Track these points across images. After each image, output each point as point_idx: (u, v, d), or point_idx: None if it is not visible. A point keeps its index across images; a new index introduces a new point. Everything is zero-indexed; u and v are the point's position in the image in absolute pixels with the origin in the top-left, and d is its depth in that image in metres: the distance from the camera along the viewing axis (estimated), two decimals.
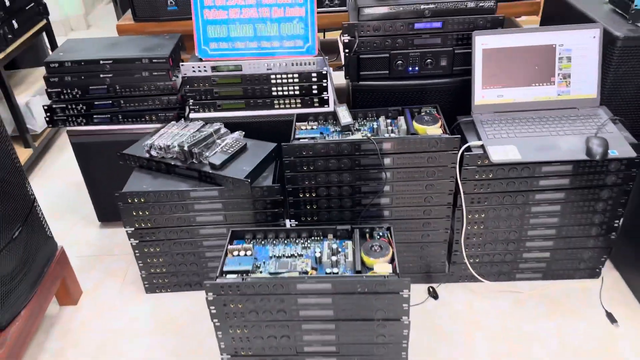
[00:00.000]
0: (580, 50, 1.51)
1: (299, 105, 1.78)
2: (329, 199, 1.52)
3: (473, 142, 1.46)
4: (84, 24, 4.45)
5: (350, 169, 1.46)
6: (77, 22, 4.43)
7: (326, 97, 1.76)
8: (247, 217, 1.57)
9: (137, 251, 1.64)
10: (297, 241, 1.36)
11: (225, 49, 1.73)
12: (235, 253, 1.31)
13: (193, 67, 1.72)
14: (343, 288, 1.20)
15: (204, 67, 1.72)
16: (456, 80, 1.68)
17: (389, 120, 1.55)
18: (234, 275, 1.24)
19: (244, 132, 1.65)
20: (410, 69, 1.67)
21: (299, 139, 1.50)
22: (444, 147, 1.42)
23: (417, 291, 1.68)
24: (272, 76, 1.73)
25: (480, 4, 1.57)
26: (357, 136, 1.49)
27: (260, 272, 1.27)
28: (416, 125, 1.49)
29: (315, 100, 1.76)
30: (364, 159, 1.45)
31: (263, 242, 1.37)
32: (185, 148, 1.52)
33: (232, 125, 1.75)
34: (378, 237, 1.35)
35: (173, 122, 1.70)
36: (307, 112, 1.65)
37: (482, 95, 1.56)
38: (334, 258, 1.27)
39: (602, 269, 1.67)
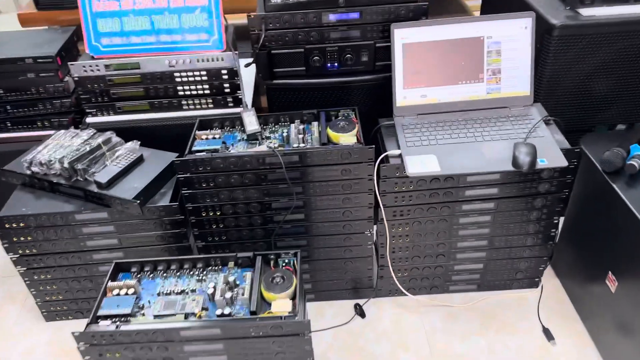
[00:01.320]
0: (510, 43, 1.35)
1: (210, 106, 1.59)
2: (236, 217, 1.36)
3: (390, 152, 1.30)
4: None
5: (256, 184, 1.30)
6: None
7: (241, 97, 1.57)
8: (145, 240, 1.39)
9: (26, 279, 1.46)
10: (191, 272, 1.20)
11: (120, 45, 1.52)
12: (116, 292, 1.13)
13: (84, 67, 1.51)
14: (234, 333, 1.05)
15: (96, 65, 1.51)
16: (379, 77, 1.51)
17: (302, 127, 1.38)
18: (108, 322, 1.07)
19: (139, 142, 1.45)
20: (329, 65, 1.50)
21: (195, 152, 1.32)
22: (358, 159, 1.26)
23: (344, 309, 1.55)
24: (176, 74, 1.53)
25: None
26: (263, 147, 1.31)
27: (143, 314, 1.11)
28: (330, 133, 1.32)
29: (229, 100, 1.58)
30: (271, 173, 1.28)
31: (152, 275, 1.20)
32: (66, 164, 1.33)
33: (136, 131, 1.56)
34: (283, 265, 1.19)
35: (62, 131, 1.49)
36: (213, 116, 1.46)
37: (404, 95, 1.39)
38: (228, 295, 1.11)
39: (542, 278, 1.55)
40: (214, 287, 1.13)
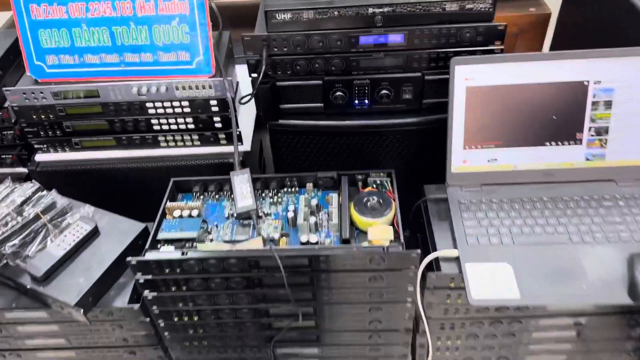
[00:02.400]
0: (628, 91, 0.91)
1: (197, 143, 1.19)
2: (220, 323, 0.98)
3: (442, 252, 0.89)
4: None
5: (247, 288, 0.91)
6: None
7: (239, 133, 1.16)
8: (103, 341, 1.03)
9: None
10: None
11: (71, 66, 1.11)
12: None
13: (25, 94, 1.11)
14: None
15: (41, 93, 1.11)
16: (427, 121, 1.08)
17: (315, 201, 0.97)
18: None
19: (93, 208, 1.06)
20: (357, 102, 1.07)
21: (162, 241, 0.93)
22: (395, 264, 0.86)
23: None
24: (149, 104, 1.12)
25: (467, 5, 0.94)
26: (257, 242, 0.91)
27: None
28: (355, 216, 0.91)
29: (221, 136, 1.18)
30: (268, 277, 0.89)
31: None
32: None
33: (100, 174, 1.19)
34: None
35: None
36: (199, 158, 1.06)
37: (464, 158, 0.97)
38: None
39: None
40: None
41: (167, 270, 0.88)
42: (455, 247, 0.89)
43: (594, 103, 0.92)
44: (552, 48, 1.58)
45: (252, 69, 1.02)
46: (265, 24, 0.97)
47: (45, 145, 1.21)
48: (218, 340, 1.02)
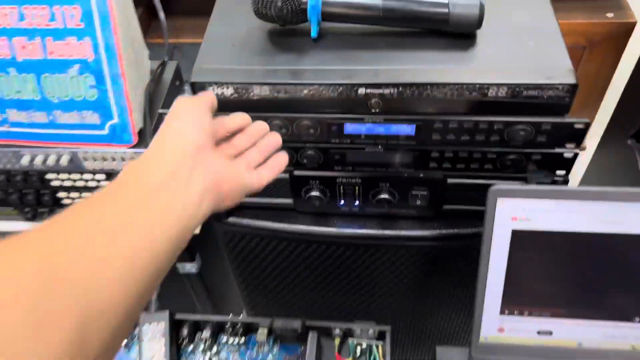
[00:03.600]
0: None
1: None
2: None
3: None
4: None
5: None
6: None
7: None
8: None
9: None
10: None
11: None
12: None
13: None
14: None
15: None
16: (448, 234, 0.71)
17: (269, 358, 0.64)
18: None
19: None
20: (343, 202, 0.71)
21: None
22: None
23: None
24: (50, 176, 0.79)
25: (524, 91, 0.55)
26: None
27: None
28: None
29: None
30: None
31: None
32: None
33: None
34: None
35: None
36: None
37: (500, 326, 0.61)
38: None
39: None
40: None
41: None
42: None
43: None
44: (636, 72, 1.15)
45: None
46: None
47: None
48: None
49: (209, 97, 0.48)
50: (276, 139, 0.52)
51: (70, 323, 0.29)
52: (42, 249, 0.32)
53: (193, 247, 0.87)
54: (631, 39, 1.26)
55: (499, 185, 0.54)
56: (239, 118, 0.51)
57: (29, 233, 0.33)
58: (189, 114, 0.45)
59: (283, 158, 0.53)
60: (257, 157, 0.50)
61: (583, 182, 1.43)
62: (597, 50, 1.28)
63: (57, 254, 0.32)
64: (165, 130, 0.44)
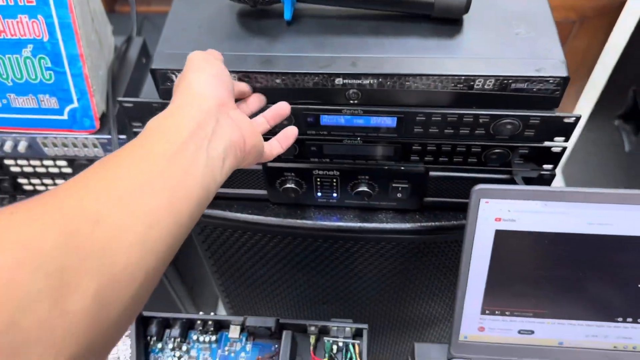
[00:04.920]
0: None
1: None
2: None
3: None
4: None
5: None
6: None
7: None
8: None
9: None
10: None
11: None
12: None
13: None
14: None
15: None
16: (429, 227, 0.68)
17: (242, 355, 0.61)
18: None
19: None
20: (320, 194, 0.67)
21: None
22: None
23: None
24: (8, 162, 0.74)
25: (511, 82, 0.52)
26: None
27: None
28: None
29: None
30: None
31: None
32: None
33: None
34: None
35: None
36: None
37: (480, 325, 0.59)
38: None
39: None
40: None
41: None
42: None
43: None
44: (627, 50, 1.12)
45: None
46: (156, 87, 0.55)
47: None
48: None
49: (220, 54, 0.48)
50: (285, 107, 0.51)
51: (89, 288, 0.28)
52: (65, 211, 0.30)
53: None
54: (622, 14, 1.23)
55: (483, 185, 0.50)
56: (244, 84, 0.52)
57: (53, 191, 0.31)
58: (208, 68, 0.44)
59: (292, 131, 0.52)
60: (265, 125, 0.50)
61: (568, 163, 1.41)
62: (587, 26, 1.24)
63: (79, 217, 0.30)
64: (184, 84, 0.43)
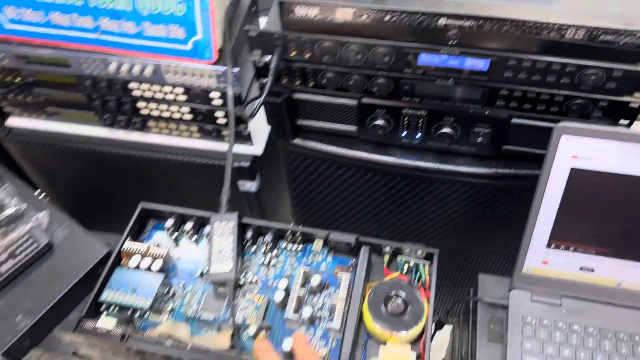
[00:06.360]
0: None
1: (195, 135, 0.93)
2: None
3: None
4: None
5: None
6: None
7: (246, 133, 0.89)
8: None
9: None
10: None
11: (35, 24, 0.83)
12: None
13: None
14: None
15: (1, 52, 0.86)
16: (504, 174, 0.75)
17: (325, 262, 0.70)
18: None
19: (48, 216, 0.84)
20: (405, 134, 0.75)
21: (101, 305, 0.70)
22: None
23: None
24: (132, 85, 0.85)
25: (601, 35, 0.57)
26: (224, 337, 0.66)
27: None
28: (366, 317, 0.64)
29: (224, 133, 0.90)
30: None
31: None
32: None
33: (81, 152, 0.96)
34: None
35: None
36: (194, 155, 0.81)
37: (545, 258, 0.65)
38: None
39: None
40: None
41: (107, 351, 0.66)
42: None
43: None
44: None
45: (261, 71, 0.71)
46: (279, 16, 0.64)
47: (18, 109, 0.98)
48: None
49: None
50: None
51: None
52: None
53: (254, 168, 0.93)
54: None
55: (565, 123, 0.56)
56: None
57: None
58: None
59: None
60: None
61: None
62: None
63: None
64: None
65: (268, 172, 0.99)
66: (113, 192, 1.04)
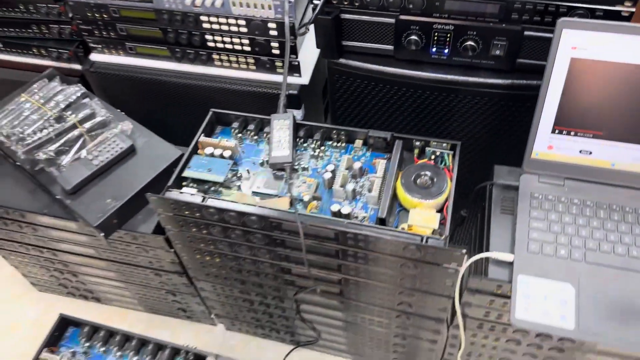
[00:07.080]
0: None
1: (252, 67, 1.09)
2: (241, 269, 0.93)
3: (495, 254, 0.75)
4: None
5: (269, 244, 0.83)
6: None
7: (296, 63, 1.04)
8: (130, 258, 1.03)
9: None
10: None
11: None
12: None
13: None
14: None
15: None
16: (520, 85, 0.88)
17: (359, 164, 0.84)
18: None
19: (132, 125, 1.01)
20: (435, 50, 0.89)
21: (187, 181, 0.86)
22: (432, 259, 0.74)
23: None
24: (203, 18, 1.01)
25: None
26: (283, 201, 0.82)
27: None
28: (399, 190, 0.78)
29: (278, 64, 1.06)
30: (290, 240, 0.80)
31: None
32: (20, 154, 0.94)
33: (153, 83, 1.13)
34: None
35: (38, 84, 1.08)
36: (252, 84, 0.97)
37: (550, 143, 0.79)
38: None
39: None
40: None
41: (186, 213, 0.82)
42: (512, 250, 0.75)
43: None
44: None
45: None
46: None
47: (100, 46, 1.15)
48: (240, 283, 0.97)
49: None
50: None
51: None
52: None
53: (301, 97, 1.07)
54: None
55: (565, 18, 0.70)
56: None
57: None
58: None
59: None
60: None
61: None
62: None
63: None
64: None
65: (311, 101, 1.14)
66: (177, 121, 1.19)
